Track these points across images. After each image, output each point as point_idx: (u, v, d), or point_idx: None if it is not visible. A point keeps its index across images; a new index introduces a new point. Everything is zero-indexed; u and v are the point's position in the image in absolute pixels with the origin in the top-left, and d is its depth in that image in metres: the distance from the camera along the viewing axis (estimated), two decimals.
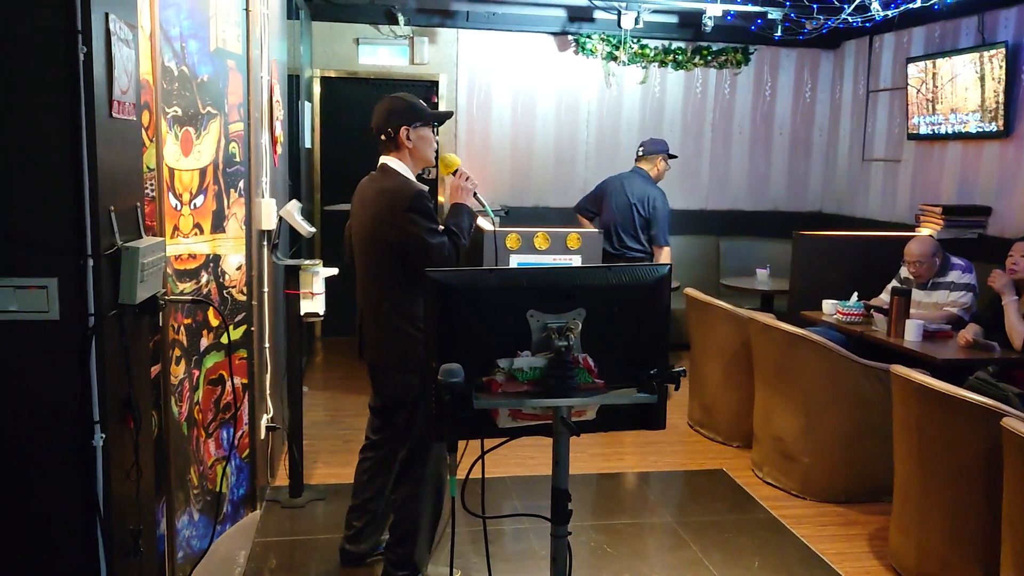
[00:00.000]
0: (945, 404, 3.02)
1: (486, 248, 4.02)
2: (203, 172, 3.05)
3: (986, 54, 5.43)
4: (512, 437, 1.93)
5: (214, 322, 3.25)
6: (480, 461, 1.92)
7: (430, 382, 1.78)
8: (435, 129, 3.06)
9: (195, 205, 2.98)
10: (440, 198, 6.94)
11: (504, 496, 3.99)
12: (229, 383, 3.36)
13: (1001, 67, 5.31)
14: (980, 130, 5.57)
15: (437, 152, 3.37)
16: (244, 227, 3.50)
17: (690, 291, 5.11)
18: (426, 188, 2.91)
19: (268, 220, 3.69)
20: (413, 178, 2.96)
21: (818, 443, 3.99)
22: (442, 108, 6.74)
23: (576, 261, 4.96)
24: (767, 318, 4.27)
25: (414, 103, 2.98)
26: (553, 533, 1.93)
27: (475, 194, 2.97)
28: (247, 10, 3.44)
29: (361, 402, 5.37)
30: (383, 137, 2.97)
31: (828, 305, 4.91)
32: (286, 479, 3.94)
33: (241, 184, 3.46)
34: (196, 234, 3.01)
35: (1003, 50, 5.29)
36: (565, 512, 1.90)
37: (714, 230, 7.38)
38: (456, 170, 3.00)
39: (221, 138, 3.21)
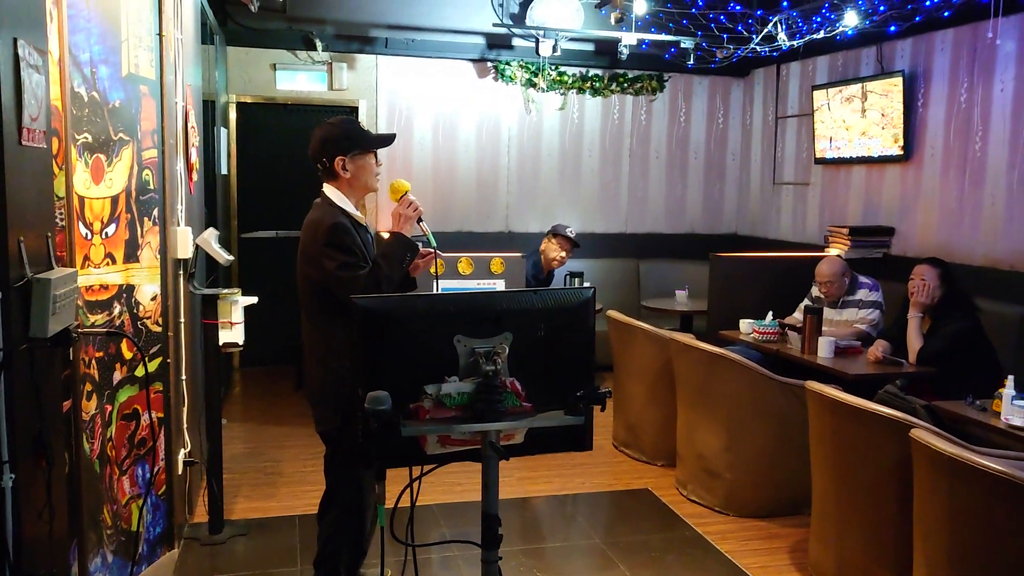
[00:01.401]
0: (857, 417, 3.14)
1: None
2: (115, 200, 2.95)
3: (885, 82, 5.71)
4: (441, 463, 1.92)
5: (127, 354, 3.14)
6: (410, 488, 1.91)
7: (357, 410, 1.76)
8: (376, 155, 2.93)
9: (107, 234, 2.88)
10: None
11: (432, 524, 3.95)
12: (144, 417, 3.24)
13: (899, 94, 5.59)
14: (882, 154, 5.84)
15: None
16: (159, 256, 3.40)
17: (612, 313, 5.18)
18: (343, 220, 2.79)
19: (184, 249, 3.59)
20: (351, 206, 2.85)
21: (739, 459, 4.08)
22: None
23: (500, 286, 5.00)
24: (687, 338, 4.37)
25: (350, 130, 2.87)
26: (484, 559, 1.93)
27: (420, 220, 2.85)
28: (160, 35, 3.37)
29: (282, 433, 5.26)
30: (319, 166, 2.88)
31: (745, 324, 5.05)
32: (205, 515, 3.82)
33: (155, 212, 3.36)
34: (108, 264, 2.91)
35: (900, 78, 5.57)
36: (495, 537, 1.89)
37: (634, 253, 7.52)
38: (402, 196, 2.87)
39: (134, 165, 3.12)
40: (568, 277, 6.21)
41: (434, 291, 2.73)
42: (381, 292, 2.63)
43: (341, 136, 2.86)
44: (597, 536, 3.90)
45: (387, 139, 3.02)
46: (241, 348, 3.76)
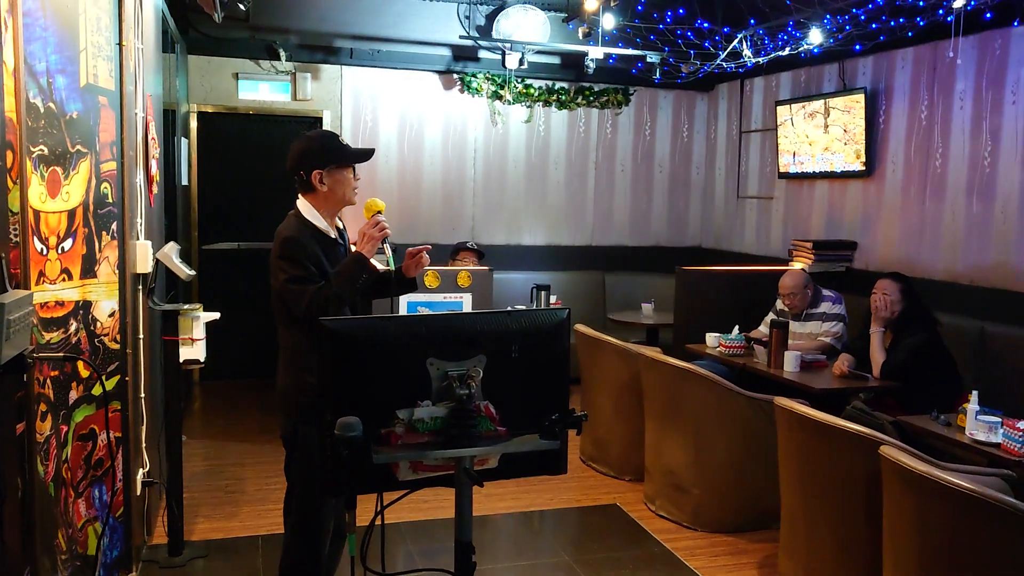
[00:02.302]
0: (826, 434, 3.14)
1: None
2: (72, 214, 2.86)
3: (847, 98, 5.79)
4: (413, 489, 1.88)
5: (84, 373, 3.04)
6: (381, 516, 1.86)
7: (311, 421, 1.71)
8: (354, 169, 2.88)
9: (63, 249, 2.79)
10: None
11: (398, 543, 3.88)
12: (102, 437, 3.14)
13: (861, 111, 5.67)
14: (844, 170, 5.91)
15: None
16: (117, 271, 3.30)
17: (580, 327, 5.16)
18: (301, 234, 2.75)
19: (144, 263, 3.50)
20: (321, 220, 2.83)
21: (707, 474, 4.08)
22: None
23: (467, 299, 4.95)
24: (655, 353, 4.36)
25: (329, 144, 2.84)
26: None
27: (385, 242, 2.79)
28: (120, 44, 3.28)
29: (244, 450, 5.15)
30: (296, 179, 2.85)
31: (711, 338, 5.07)
32: (165, 537, 3.71)
33: (114, 226, 3.27)
34: (64, 280, 2.81)
35: (863, 95, 5.65)
36: (469, 566, 1.85)
37: (600, 265, 7.52)
38: (373, 215, 2.82)
39: (92, 178, 3.03)
40: (535, 290, 6.18)
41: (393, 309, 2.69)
42: (329, 308, 2.58)
43: (319, 149, 2.83)
44: (565, 553, 3.86)
45: (366, 154, 2.98)
46: (202, 365, 3.66)
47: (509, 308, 5.98)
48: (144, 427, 3.63)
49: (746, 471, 4.06)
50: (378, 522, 1.87)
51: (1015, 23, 4.64)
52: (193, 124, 6.51)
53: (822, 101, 6.01)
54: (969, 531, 2.48)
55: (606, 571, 3.66)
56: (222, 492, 4.49)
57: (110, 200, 3.24)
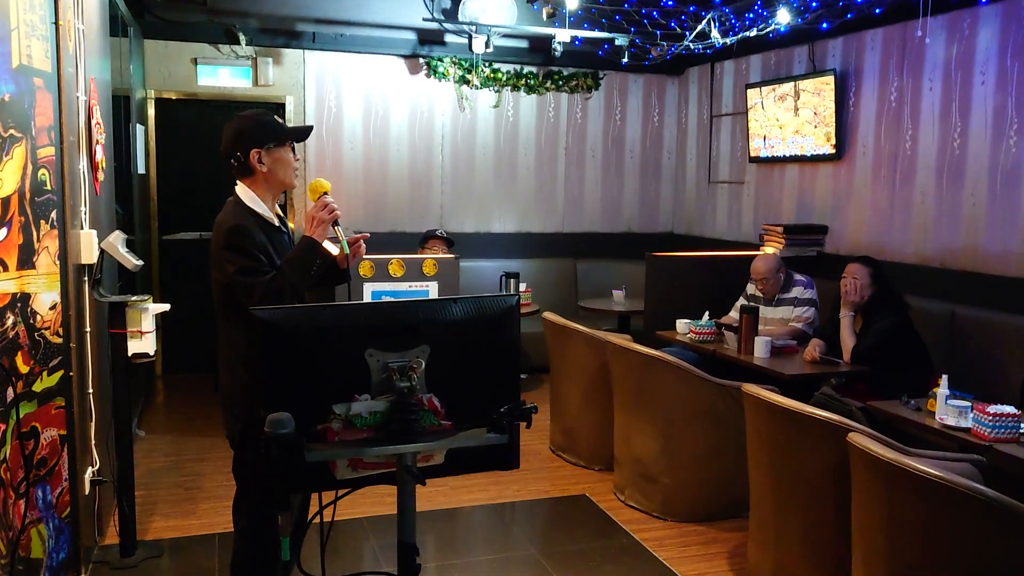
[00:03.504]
0: (794, 421, 3.07)
1: None
2: (6, 202, 2.71)
3: (817, 80, 5.72)
4: (353, 488, 1.77)
5: (24, 369, 2.90)
6: (319, 516, 1.75)
7: (258, 431, 1.60)
8: (294, 148, 2.75)
9: None
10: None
11: (361, 538, 3.78)
12: (45, 435, 3.00)
13: (831, 93, 5.60)
14: (815, 153, 5.85)
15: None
16: (58, 262, 3.16)
17: (548, 315, 5.07)
18: (246, 222, 2.60)
19: (88, 254, 3.35)
20: (263, 206, 2.68)
21: (677, 463, 4.00)
22: None
23: (433, 288, 4.84)
24: (623, 340, 4.27)
25: (265, 121, 2.69)
26: None
27: (336, 224, 2.64)
28: (56, 23, 3.12)
29: (206, 444, 5.02)
30: (233, 162, 2.68)
31: (681, 325, 4.99)
32: (117, 537, 3.58)
33: (54, 214, 3.12)
34: None
35: (832, 77, 5.58)
36: (413, 567, 1.74)
37: (571, 252, 7.43)
38: (320, 197, 2.67)
39: (28, 164, 2.88)
40: (504, 278, 6.08)
41: (350, 297, 2.56)
42: (283, 299, 2.45)
43: (255, 128, 2.68)
44: (533, 547, 3.78)
45: (304, 132, 2.85)
46: (152, 359, 3.53)
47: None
48: (93, 424, 3.49)
49: (716, 459, 3.99)
50: (317, 522, 1.76)
51: (982, 1, 4.59)
52: (151, 111, 6.32)
53: (792, 84, 5.94)
54: (939, 519, 2.41)
55: (573, 564, 3.58)
56: (180, 489, 4.36)
57: (49, 187, 3.09)
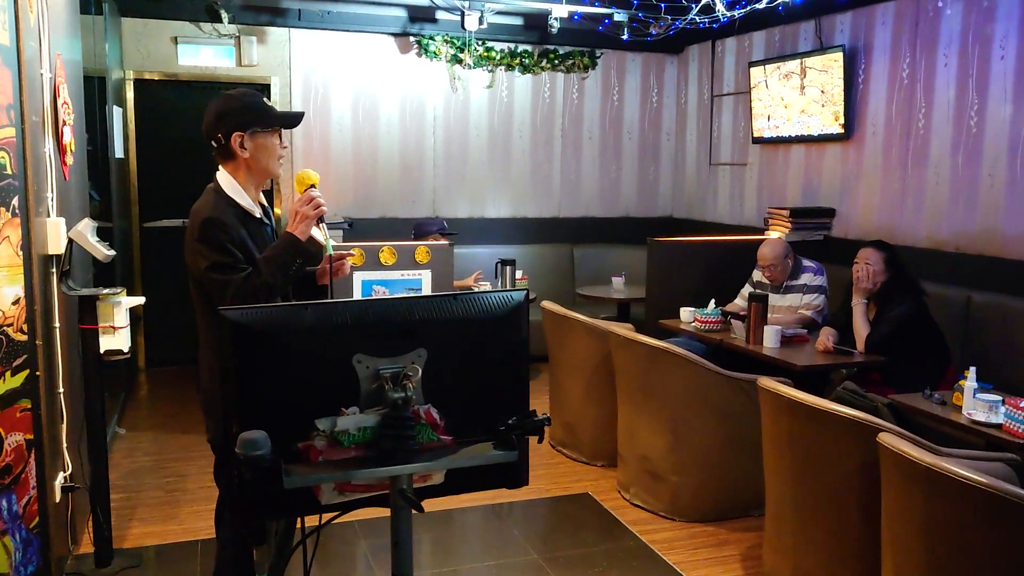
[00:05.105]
0: (816, 418, 2.87)
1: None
2: None
3: (825, 57, 5.49)
4: (341, 513, 1.55)
5: None
6: (302, 546, 1.53)
7: (230, 448, 1.38)
8: (280, 135, 2.49)
9: None
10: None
11: (353, 543, 3.57)
12: (9, 440, 2.77)
13: (839, 70, 5.37)
14: (822, 133, 5.63)
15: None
16: (21, 253, 2.92)
17: (547, 304, 4.85)
18: (222, 214, 2.36)
19: (55, 243, 3.12)
20: (244, 196, 2.43)
21: (685, 460, 3.80)
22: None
23: (426, 277, 4.61)
24: (628, 331, 4.06)
25: (251, 103, 2.44)
26: None
27: (321, 220, 2.41)
28: None
29: (190, 442, 4.79)
30: (214, 144, 2.44)
31: (686, 313, 4.78)
32: (92, 545, 3.36)
33: (15, 201, 2.88)
34: None
35: (841, 54, 5.35)
36: None
37: (567, 238, 7.20)
38: (306, 189, 2.44)
39: None
40: (499, 265, 5.85)
41: (330, 297, 2.33)
42: (258, 300, 2.22)
43: (240, 109, 2.42)
44: (535, 550, 3.57)
45: (293, 118, 2.57)
46: (127, 356, 3.30)
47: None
48: (64, 426, 3.26)
49: (727, 456, 3.79)
50: (300, 550, 1.54)
51: None
52: (129, 93, 6.05)
53: (798, 61, 5.71)
54: (984, 530, 2.21)
55: (578, 569, 3.38)
56: (162, 491, 4.13)
57: (9, 172, 2.84)
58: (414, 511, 1.45)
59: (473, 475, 1.58)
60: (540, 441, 1.54)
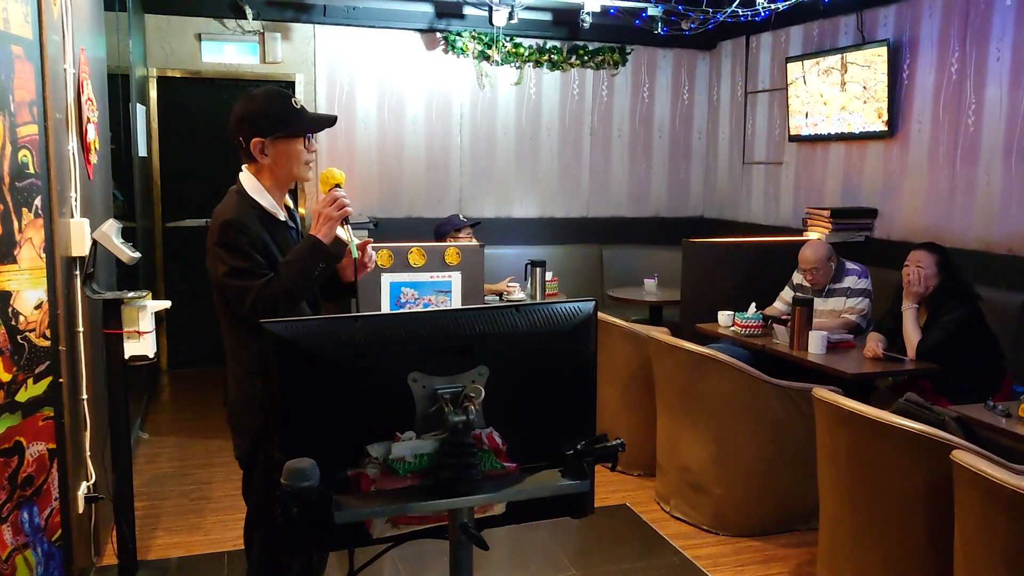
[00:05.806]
0: (879, 433, 2.70)
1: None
2: None
3: (867, 52, 5.30)
4: (394, 544, 1.41)
5: (5, 377, 2.56)
6: None
7: (274, 482, 1.24)
8: (307, 138, 2.31)
9: None
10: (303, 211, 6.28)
11: (388, 569, 3.42)
12: (30, 450, 2.66)
13: (883, 65, 5.18)
14: (864, 130, 5.44)
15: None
16: (44, 255, 2.80)
17: None
18: (244, 217, 2.23)
19: (79, 245, 3.00)
20: (268, 198, 2.29)
21: (730, 472, 3.64)
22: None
23: (456, 279, 4.47)
24: (668, 336, 3.90)
25: (274, 107, 2.28)
26: None
27: (346, 221, 2.27)
28: None
29: (213, 448, 4.68)
30: (236, 144, 2.32)
31: (724, 317, 4.61)
32: (115, 557, 3.24)
33: (38, 202, 2.76)
34: None
35: (884, 48, 5.16)
36: None
37: (596, 238, 7.04)
38: (331, 190, 2.30)
39: (6, 144, 2.52)
40: (529, 266, 5.70)
41: (356, 309, 2.19)
42: (279, 307, 2.09)
43: (261, 115, 2.27)
44: (573, 566, 3.42)
45: (323, 121, 2.40)
46: (152, 361, 3.18)
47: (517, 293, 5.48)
48: (88, 434, 3.15)
49: (773, 468, 3.62)
50: None
51: None
52: (152, 91, 5.95)
53: (839, 56, 5.52)
54: None
55: None
56: (186, 499, 4.02)
57: (32, 171, 2.73)
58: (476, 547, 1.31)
59: (536, 504, 1.44)
60: (613, 468, 1.40)
